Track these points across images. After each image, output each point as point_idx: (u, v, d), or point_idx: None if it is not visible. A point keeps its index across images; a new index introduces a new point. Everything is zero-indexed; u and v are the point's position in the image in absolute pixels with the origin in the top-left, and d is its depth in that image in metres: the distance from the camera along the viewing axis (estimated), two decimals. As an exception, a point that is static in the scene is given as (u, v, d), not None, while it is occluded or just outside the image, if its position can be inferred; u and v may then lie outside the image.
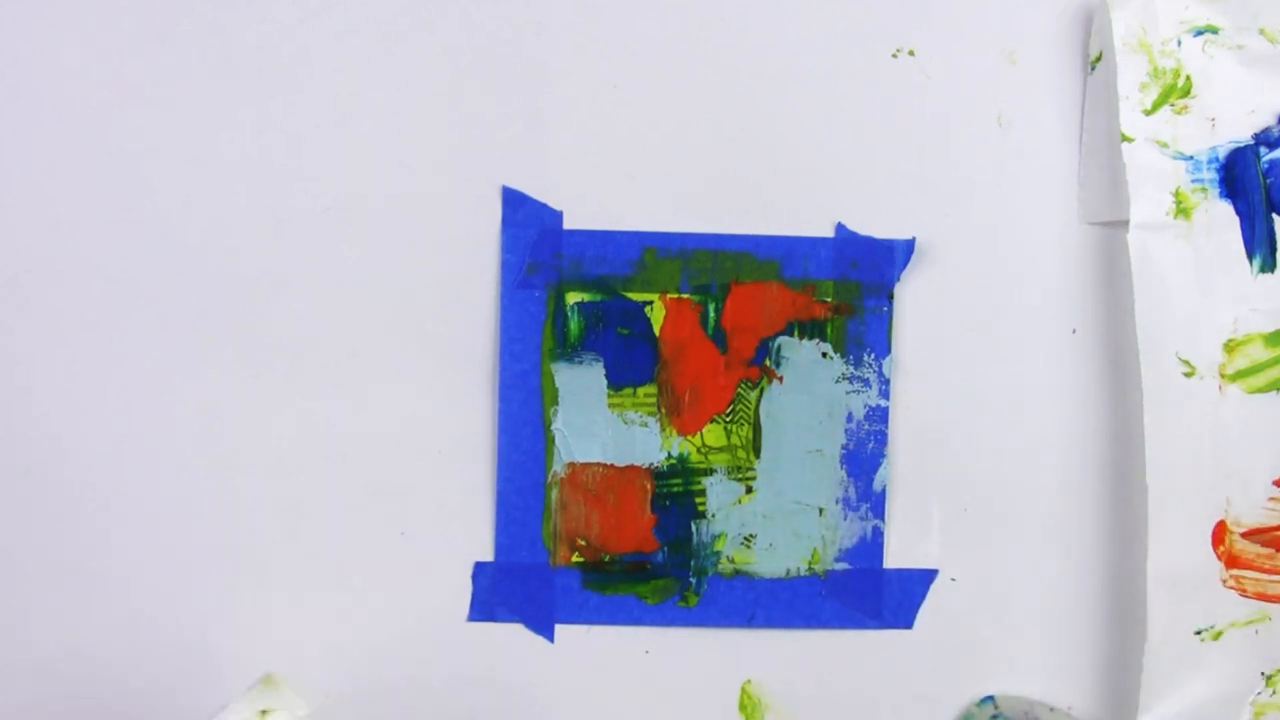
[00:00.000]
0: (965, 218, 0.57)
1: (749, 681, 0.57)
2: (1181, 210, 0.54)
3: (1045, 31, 0.56)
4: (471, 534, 0.56)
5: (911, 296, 0.56)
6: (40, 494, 0.56)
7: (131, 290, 0.56)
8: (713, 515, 0.56)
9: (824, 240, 0.56)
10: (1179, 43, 0.54)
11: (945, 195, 0.57)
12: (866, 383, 0.56)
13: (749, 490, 0.56)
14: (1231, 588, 0.54)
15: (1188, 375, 0.54)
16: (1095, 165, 0.56)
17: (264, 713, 0.48)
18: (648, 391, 0.56)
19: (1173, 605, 0.53)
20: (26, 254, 0.56)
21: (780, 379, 0.56)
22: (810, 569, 0.56)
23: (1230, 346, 0.54)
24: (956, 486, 0.57)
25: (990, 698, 0.56)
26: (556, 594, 0.56)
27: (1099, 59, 0.56)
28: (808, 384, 0.56)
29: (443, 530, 0.56)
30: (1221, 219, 0.54)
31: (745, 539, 0.56)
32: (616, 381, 0.56)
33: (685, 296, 0.56)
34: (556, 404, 0.56)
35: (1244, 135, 0.55)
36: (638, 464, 0.56)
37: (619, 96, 0.56)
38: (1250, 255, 0.54)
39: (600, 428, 0.56)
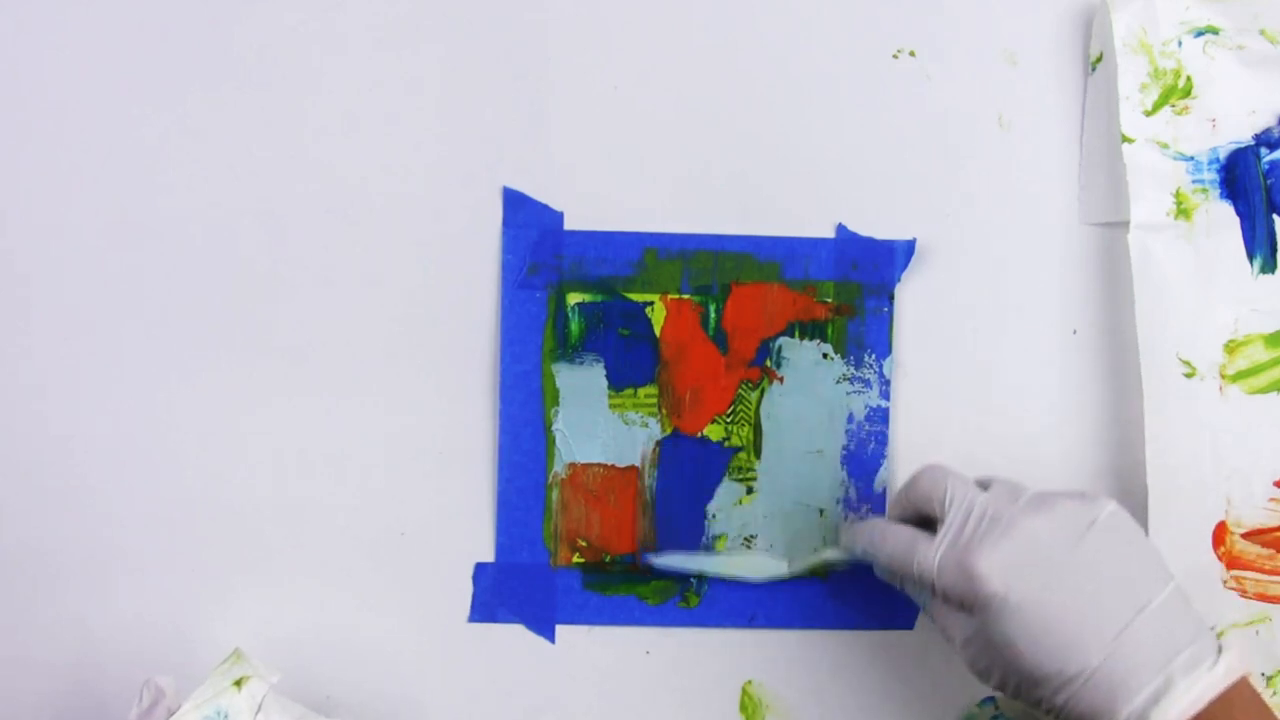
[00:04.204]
0: (965, 218, 0.57)
1: (750, 682, 0.57)
2: (1182, 211, 0.54)
3: (1045, 32, 0.56)
4: (472, 534, 0.56)
5: (912, 297, 0.56)
6: (41, 494, 0.56)
7: (133, 291, 0.56)
8: (714, 516, 0.56)
9: (825, 241, 0.56)
10: (1179, 43, 0.54)
11: (945, 196, 0.57)
12: (867, 383, 0.56)
13: (750, 491, 0.56)
14: (1232, 589, 0.54)
15: (1188, 376, 0.54)
16: (1096, 166, 0.56)
17: (239, 681, 0.49)
18: (648, 392, 0.56)
19: (1173, 606, 0.53)
20: (28, 255, 0.56)
21: (781, 380, 0.56)
22: (811, 569, 0.56)
23: (1231, 347, 0.54)
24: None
25: (991, 698, 0.57)
26: (557, 595, 0.56)
27: (1099, 60, 0.56)
28: (808, 385, 0.56)
29: (443, 531, 0.56)
30: (1222, 220, 0.54)
31: (746, 539, 0.56)
32: (617, 382, 0.56)
33: (686, 297, 0.56)
34: (557, 404, 0.56)
35: (1245, 136, 0.55)
36: (639, 465, 0.56)
37: (620, 97, 0.56)
38: (1251, 256, 0.54)
39: (601, 428, 0.56)
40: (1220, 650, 0.45)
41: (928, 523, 0.49)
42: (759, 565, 0.56)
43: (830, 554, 0.53)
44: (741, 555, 0.56)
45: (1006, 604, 0.44)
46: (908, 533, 0.48)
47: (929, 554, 0.47)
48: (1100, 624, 0.44)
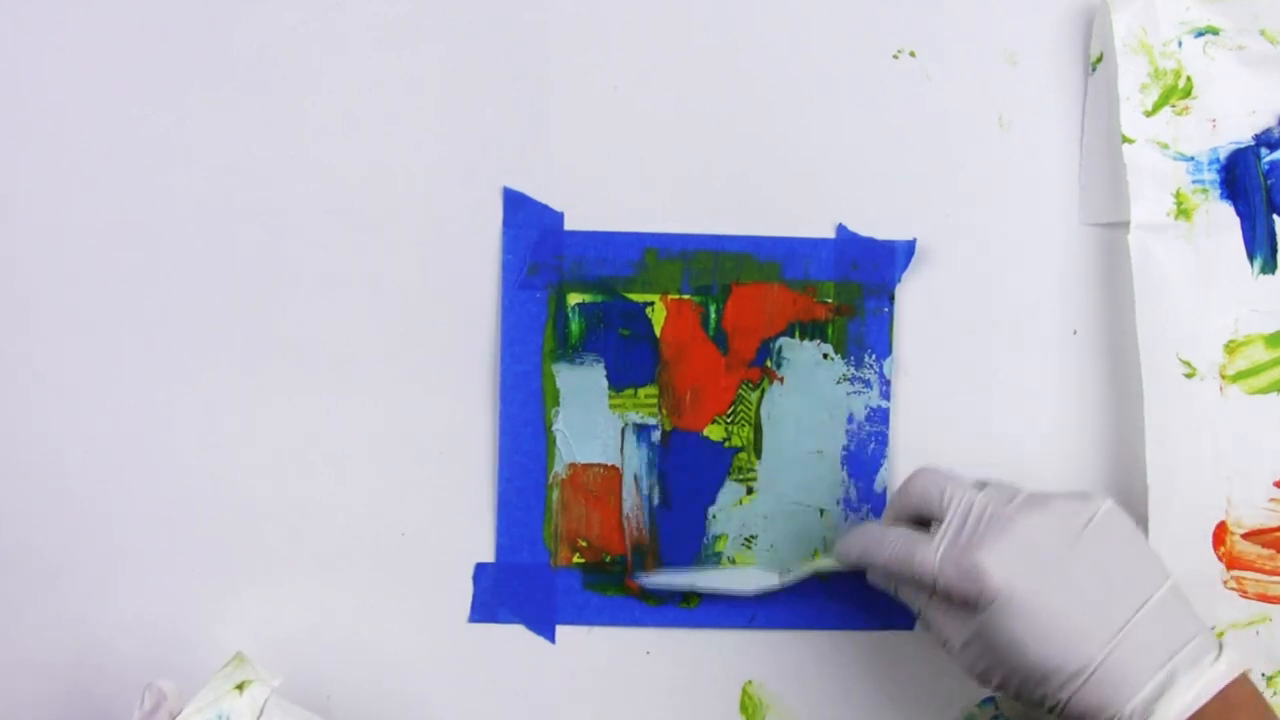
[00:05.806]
0: (966, 218, 0.57)
1: (750, 682, 0.57)
2: (1182, 211, 0.54)
3: (1046, 32, 0.56)
4: (472, 535, 0.56)
5: (912, 297, 0.56)
6: (41, 494, 0.56)
7: (133, 292, 0.56)
8: (714, 516, 0.56)
9: (825, 241, 0.56)
10: (1180, 44, 0.54)
11: (946, 196, 0.57)
12: (867, 384, 0.56)
13: (750, 491, 0.56)
14: (1232, 589, 0.54)
15: (1188, 376, 0.54)
16: (1096, 166, 0.56)
17: (240, 685, 0.49)
18: (649, 392, 0.56)
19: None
20: (28, 255, 0.56)
21: (781, 380, 0.56)
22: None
23: (1231, 347, 0.54)
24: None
25: (991, 699, 0.57)
26: (558, 595, 0.56)
27: (1100, 60, 0.56)
28: (809, 385, 0.56)
29: (443, 531, 0.56)
30: (1222, 220, 0.55)
31: (746, 540, 0.56)
32: (617, 382, 0.56)
33: (686, 297, 0.56)
34: (558, 405, 0.56)
35: (1245, 136, 0.55)
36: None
37: (620, 97, 0.56)
38: (1251, 256, 0.54)
39: (601, 429, 0.56)
40: (1221, 647, 0.45)
41: (923, 525, 0.49)
42: (750, 578, 0.55)
43: (823, 563, 0.53)
44: (732, 570, 0.56)
45: (1010, 600, 0.44)
46: (905, 534, 0.48)
47: (929, 553, 0.47)
48: (1102, 620, 0.44)
